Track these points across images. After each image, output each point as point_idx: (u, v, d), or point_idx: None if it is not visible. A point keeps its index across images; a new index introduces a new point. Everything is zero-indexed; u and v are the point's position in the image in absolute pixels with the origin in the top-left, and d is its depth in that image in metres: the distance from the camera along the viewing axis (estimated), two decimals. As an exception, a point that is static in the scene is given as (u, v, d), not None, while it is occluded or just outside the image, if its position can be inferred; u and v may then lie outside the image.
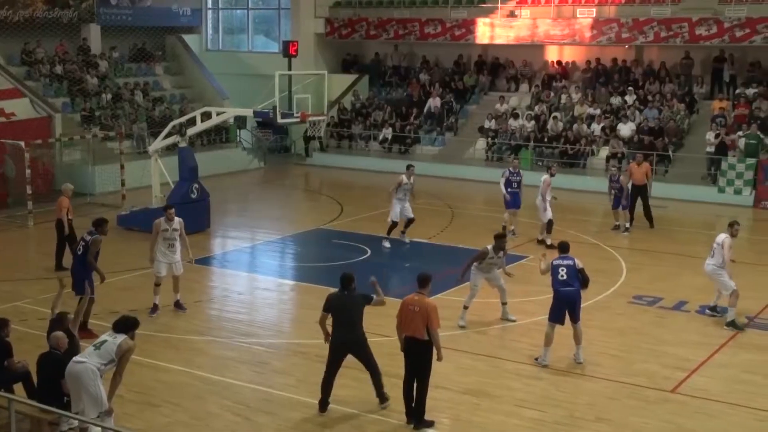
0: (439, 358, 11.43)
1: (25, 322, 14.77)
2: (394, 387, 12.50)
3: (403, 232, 21.36)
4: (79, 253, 14.72)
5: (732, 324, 15.44)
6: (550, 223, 21.08)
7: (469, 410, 11.97)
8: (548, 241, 20.74)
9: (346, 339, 11.64)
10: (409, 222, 21.34)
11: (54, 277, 17.63)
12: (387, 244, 20.97)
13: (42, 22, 31.56)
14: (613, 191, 22.71)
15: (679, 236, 22.74)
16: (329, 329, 11.90)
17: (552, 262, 13.83)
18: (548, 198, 21.19)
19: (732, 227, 16.27)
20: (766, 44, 28.99)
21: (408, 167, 21.51)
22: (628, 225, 22.78)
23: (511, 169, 22.29)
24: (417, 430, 11.40)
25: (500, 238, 15.47)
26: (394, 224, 21.05)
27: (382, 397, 11.92)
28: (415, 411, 11.48)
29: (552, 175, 21.66)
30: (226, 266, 19.91)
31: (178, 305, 16.11)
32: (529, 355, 14.03)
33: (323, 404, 11.80)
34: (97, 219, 15.10)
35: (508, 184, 21.83)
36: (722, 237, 15.89)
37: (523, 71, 34.61)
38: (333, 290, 16.99)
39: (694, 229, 23.81)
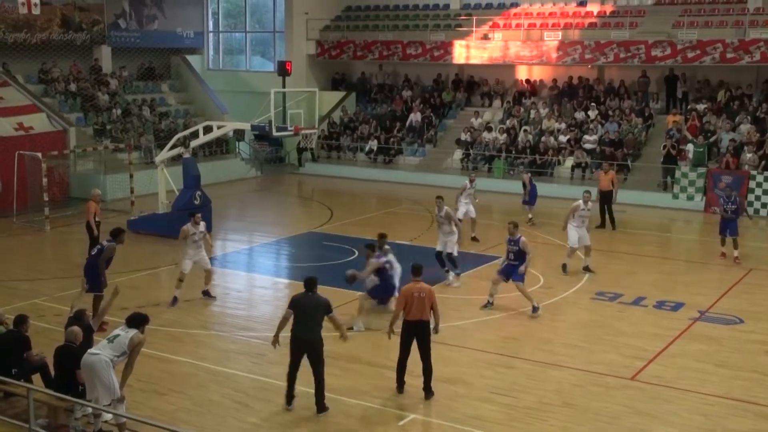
0: (437, 332, 12.00)
1: (43, 318, 14.73)
2: (379, 377, 12.59)
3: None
4: (93, 254, 14.70)
5: (564, 268, 18.54)
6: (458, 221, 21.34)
7: (448, 397, 11.98)
8: (473, 233, 21.64)
9: (305, 337, 11.32)
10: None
11: (75, 276, 17.72)
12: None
13: (57, 44, 31.50)
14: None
15: (637, 238, 22.84)
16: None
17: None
18: (463, 200, 21.54)
19: (584, 195, 19.20)
20: (715, 64, 29.19)
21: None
22: (531, 216, 23.90)
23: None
24: (428, 399, 11.80)
25: None
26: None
27: (322, 407, 11.40)
28: (425, 383, 11.84)
29: (471, 182, 21.90)
30: (226, 266, 19.84)
31: (207, 294, 16.54)
32: (501, 346, 14.08)
33: (289, 398, 11.52)
34: (115, 229, 15.02)
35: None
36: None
37: (496, 89, 34.69)
38: (327, 287, 17.24)
39: (651, 232, 23.93)
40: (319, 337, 11.41)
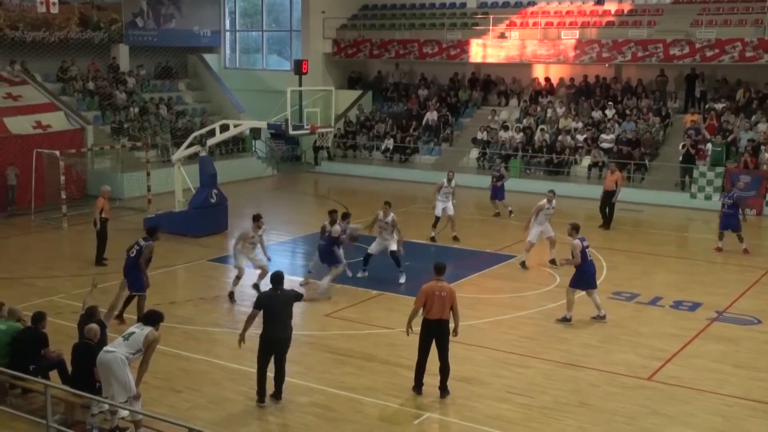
0: (456, 334, 11.87)
1: (60, 315, 14.78)
2: (396, 376, 12.57)
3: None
4: (132, 255, 14.78)
5: (522, 264, 18.93)
6: (436, 219, 21.77)
7: (465, 396, 11.95)
8: (432, 234, 21.66)
9: (277, 336, 11.34)
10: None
11: (92, 273, 17.85)
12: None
13: (76, 43, 31.67)
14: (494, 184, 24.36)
15: (654, 238, 22.72)
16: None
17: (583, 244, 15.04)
18: (440, 198, 21.61)
19: (548, 194, 18.95)
20: (734, 63, 28.99)
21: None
22: (510, 209, 24.21)
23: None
24: (443, 398, 11.80)
25: None
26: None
27: (279, 395, 11.58)
28: (442, 382, 11.83)
29: (449, 180, 21.87)
30: (242, 264, 19.89)
31: (256, 287, 16.64)
32: (518, 346, 14.03)
33: (264, 395, 11.52)
34: (150, 227, 15.36)
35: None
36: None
37: (513, 87, 34.60)
38: (338, 286, 17.26)
39: (668, 232, 23.79)
40: (291, 334, 11.51)
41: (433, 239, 21.50)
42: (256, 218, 16.76)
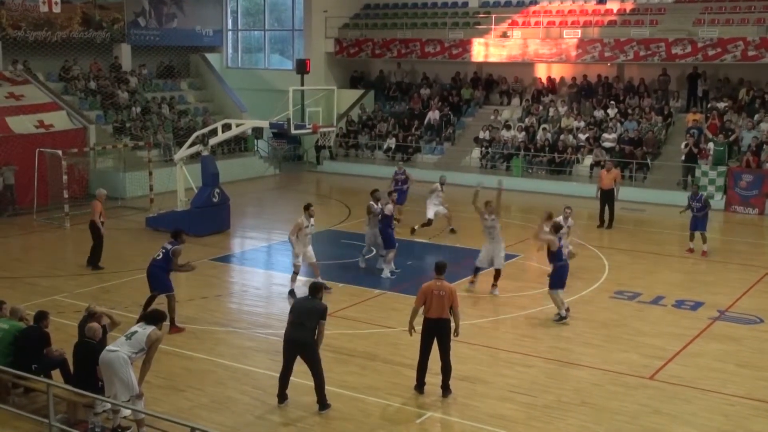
0: (457, 334, 11.82)
1: (62, 315, 14.79)
2: (398, 375, 12.57)
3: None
4: (158, 258, 14.64)
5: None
6: (429, 221, 22.07)
7: (467, 395, 11.94)
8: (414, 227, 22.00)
9: (293, 337, 11.30)
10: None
11: (94, 273, 17.86)
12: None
13: (78, 42, 31.69)
14: (398, 184, 23.68)
15: (657, 237, 22.71)
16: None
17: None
18: (434, 201, 22.10)
19: (565, 211, 18.35)
20: (736, 62, 28.97)
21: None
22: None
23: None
24: (445, 397, 11.79)
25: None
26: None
27: (323, 404, 11.39)
28: (443, 381, 11.83)
29: (442, 184, 22.27)
30: (244, 264, 19.90)
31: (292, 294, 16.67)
32: (520, 345, 14.02)
33: (281, 397, 11.56)
34: (175, 230, 15.04)
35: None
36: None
37: (515, 87, 34.58)
38: (341, 285, 17.28)
39: (670, 231, 23.73)
40: (310, 341, 11.27)
41: (452, 230, 22.14)
42: (307, 207, 16.56)
